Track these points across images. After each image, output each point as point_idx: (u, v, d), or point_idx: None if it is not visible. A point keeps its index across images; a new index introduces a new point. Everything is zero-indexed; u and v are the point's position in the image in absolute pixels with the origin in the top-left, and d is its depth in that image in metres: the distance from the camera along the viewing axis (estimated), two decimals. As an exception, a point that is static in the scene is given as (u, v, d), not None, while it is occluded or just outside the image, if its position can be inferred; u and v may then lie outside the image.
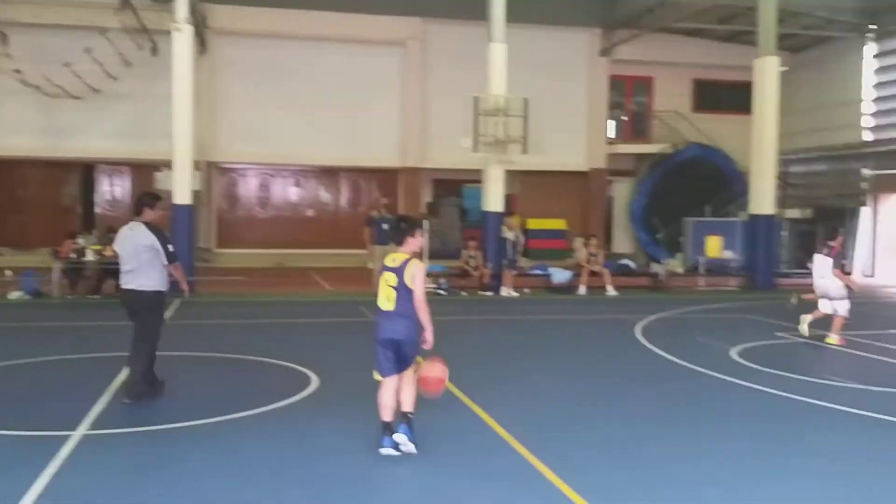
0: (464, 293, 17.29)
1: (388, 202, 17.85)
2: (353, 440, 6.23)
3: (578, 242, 21.84)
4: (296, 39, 23.38)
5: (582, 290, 17.46)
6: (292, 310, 14.75)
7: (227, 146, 23.40)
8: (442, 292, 17.06)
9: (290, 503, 5.01)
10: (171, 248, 7.35)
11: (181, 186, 16.40)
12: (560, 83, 24.27)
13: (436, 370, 5.82)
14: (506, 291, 17.20)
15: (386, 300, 5.78)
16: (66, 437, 6.09)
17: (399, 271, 5.75)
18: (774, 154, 19.70)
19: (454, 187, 25.21)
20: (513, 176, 24.75)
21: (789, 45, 24.58)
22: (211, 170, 23.54)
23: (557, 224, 25.05)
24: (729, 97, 26.22)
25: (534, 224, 24.73)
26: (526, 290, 17.72)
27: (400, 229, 6.01)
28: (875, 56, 24.39)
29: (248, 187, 25.01)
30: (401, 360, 5.80)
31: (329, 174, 25.37)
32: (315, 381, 8.24)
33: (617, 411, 7.38)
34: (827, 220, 22.57)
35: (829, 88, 25.68)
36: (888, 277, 22.12)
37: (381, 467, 5.61)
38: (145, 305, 7.25)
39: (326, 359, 9.49)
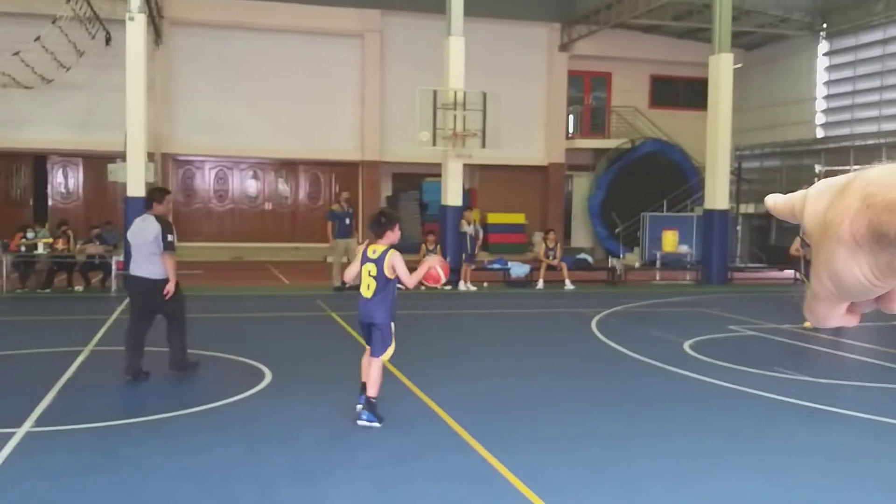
0: (422, 287, 17.23)
1: (350, 196, 17.72)
2: (305, 437, 6.20)
3: (537, 237, 21.97)
4: (253, 30, 23.13)
5: (540, 284, 17.56)
6: (249, 304, 14.62)
7: (183, 138, 23.08)
8: (400, 287, 17.01)
9: (240, 500, 4.96)
10: (169, 237, 7.80)
11: (135, 179, 16.12)
12: (519, 78, 24.35)
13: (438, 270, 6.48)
14: (464, 285, 17.24)
15: (366, 288, 6.38)
16: (9, 435, 5.96)
17: (378, 262, 6.31)
18: (729, 150, 20.00)
19: (413, 181, 25.17)
20: (472, 170, 24.84)
21: (743, 42, 24.96)
22: (167, 162, 23.20)
23: (516, 218, 25.17)
24: (685, 93, 26.58)
25: (493, 218, 24.82)
26: (484, 284, 17.78)
27: (380, 223, 6.46)
28: (826, 54, 24.87)
29: (205, 180, 24.70)
30: (373, 342, 6.37)
31: (288, 167, 25.17)
32: (269, 376, 8.18)
33: (571, 406, 7.43)
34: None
35: (781, 86, 26.15)
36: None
37: (334, 464, 5.59)
38: (153, 291, 7.78)
39: (281, 354, 9.43)
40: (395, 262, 6.33)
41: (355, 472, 5.40)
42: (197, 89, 22.88)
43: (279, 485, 5.16)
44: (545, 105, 25.64)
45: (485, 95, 17.79)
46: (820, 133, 25.11)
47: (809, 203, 0.63)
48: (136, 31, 16.18)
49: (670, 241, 21.40)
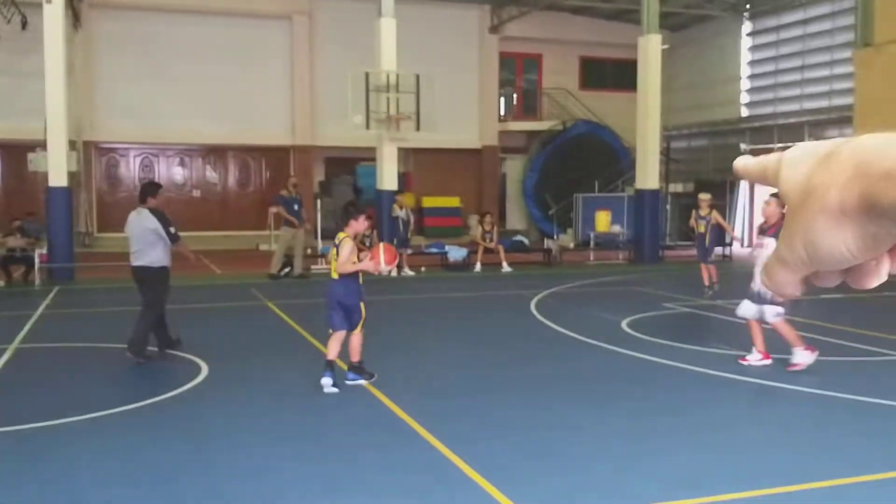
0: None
1: (298, 181, 17.35)
2: (247, 431, 6.04)
3: (473, 220, 22.00)
4: (176, 13, 22.44)
5: (478, 267, 17.58)
6: (180, 295, 14.16)
7: (106, 125, 22.31)
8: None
9: (181, 500, 4.78)
10: (172, 230, 8.34)
11: (56, 168, 15.50)
12: (451, 60, 24.25)
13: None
14: (399, 270, 17.13)
15: (333, 271, 7.17)
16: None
17: (338, 247, 7.10)
18: (658, 130, 20.32)
19: (347, 166, 24.88)
20: (407, 154, 24.68)
21: (671, 23, 25.34)
22: (89, 150, 22.39)
23: (452, 202, 25.15)
24: (614, 75, 26.88)
25: (428, 202, 24.75)
26: (422, 269, 17.70)
27: (346, 212, 7.29)
28: (750, 34, 25.45)
29: (130, 168, 23.94)
30: (349, 318, 7.16)
31: (216, 153, 24.58)
32: (205, 370, 7.95)
33: (517, 389, 7.42)
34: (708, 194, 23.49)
35: (708, 66, 26.67)
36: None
37: (281, 458, 5.45)
38: (153, 279, 8.34)
39: (217, 346, 9.19)
40: (341, 247, 7.03)
41: (304, 465, 5.27)
42: (119, 74, 22.11)
43: (225, 482, 4.99)
44: (477, 88, 25.61)
45: (418, 78, 17.65)
46: (745, 112, 25.73)
47: (786, 167, 0.60)
48: (53, 14, 15.49)
49: (603, 221, 21.68)
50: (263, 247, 21.38)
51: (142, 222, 8.26)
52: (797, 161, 0.60)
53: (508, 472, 5.11)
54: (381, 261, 7.23)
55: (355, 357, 7.35)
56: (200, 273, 17.26)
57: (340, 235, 7.19)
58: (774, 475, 4.96)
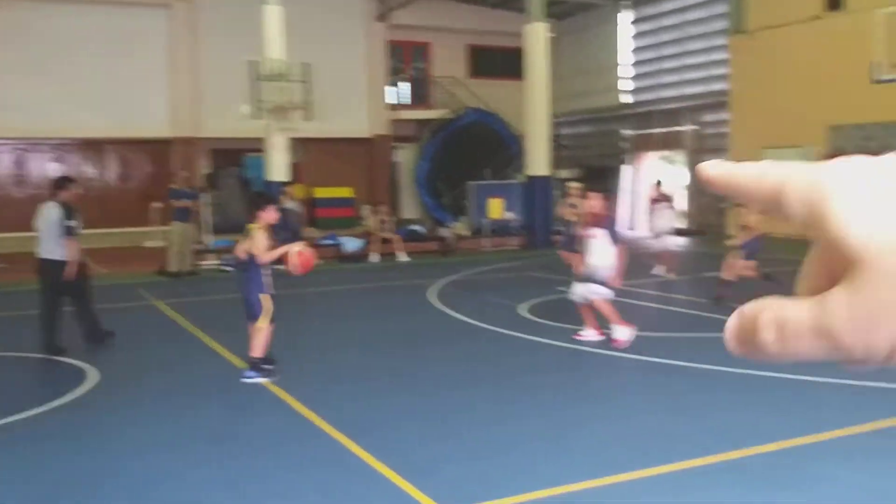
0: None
1: (189, 174, 16.63)
2: (143, 437, 5.74)
3: (367, 210, 21.82)
4: (49, 2, 21.18)
5: (373, 257, 17.44)
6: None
7: (-30, 119, 20.86)
8: (227, 268, 16.33)
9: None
10: (68, 223, 8.45)
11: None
12: (339, 48, 23.90)
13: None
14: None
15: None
16: None
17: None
18: (546, 117, 20.67)
19: (235, 157, 24.17)
20: (297, 144, 24.20)
21: (556, 11, 25.77)
22: (-48, 146, 20.91)
23: (344, 192, 24.84)
24: (502, 63, 27.13)
25: (320, 193, 24.38)
26: (317, 261, 17.39)
27: (256, 203, 7.25)
28: (632, 23, 26.21)
29: (1, 164, 22.50)
30: (248, 310, 7.18)
31: (93, 147, 23.38)
32: (93, 376, 7.53)
33: (418, 378, 7.38)
34: (594, 179, 24.14)
35: (592, 54, 27.32)
36: (646, 230, 24.05)
37: (183, 463, 5.19)
38: (51, 271, 8.42)
39: (104, 349, 8.73)
40: (253, 241, 7.00)
41: (207, 468, 5.05)
42: (-15, 66, 20.71)
43: (120, 492, 4.72)
44: (366, 76, 25.36)
45: (306, 67, 17.29)
46: (628, 99, 26.50)
47: (850, 204, 0.38)
48: None
49: (496, 208, 21.91)
50: (148, 243, 20.53)
51: (47, 215, 8.47)
52: (872, 197, 0.38)
53: (413, 461, 5.05)
54: (296, 264, 7.25)
55: (254, 353, 7.16)
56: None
57: (251, 227, 7.10)
58: (678, 451, 5.08)
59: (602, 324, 8.37)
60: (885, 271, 0.37)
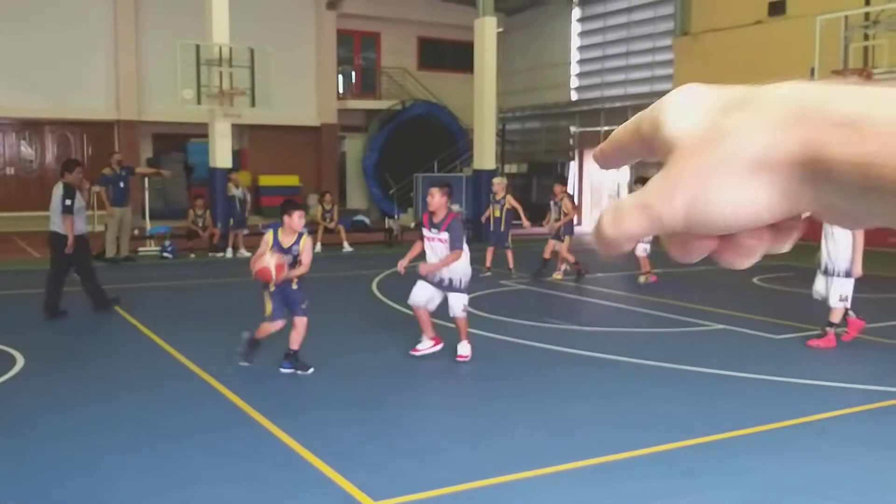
0: (192, 255, 16.43)
1: (123, 158, 16.22)
2: (72, 424, 5.63)
3: (313, 199, 21.66)
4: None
5: (318, 247, 17.31)
6: (-8, 281, 13.10)
7: None
8: (167, 255, 16.08)
9: (3, 498, 4.38)
10: (67, 202, 9.43)
11: None
12: (287, 35, 23.64)
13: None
14: (235, 252, 16.61)
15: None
16: None
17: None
18: (494, 112, 20.75)
19: (178, 142, 23.75)
20: (241, 131, 23.88)
21: (506, 6, 25.87)
22: None
23: (290, 180, 24.61)
24: (452, 56, 27.16)
25: (266, 181, 24.13)
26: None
27: (283, 210, 7.12)
28: (579, 20, 26.46)
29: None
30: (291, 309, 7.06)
31: (32, 128, 22.75)
32: (21, 361, 7.34)
33: (357, 369, 7.36)
34: (540, 175, 24.38)
35: (540, 50, 27.50)
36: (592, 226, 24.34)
37: (109, 450, 5.10)
38: (57, 243, 9.55)
39: (34, 335, 8.52)
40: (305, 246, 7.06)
41: (134, 456, 4.97)
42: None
43: (47, 478, 4.62)
44: (315, 64, 25.14)
45: (252, 52, 17.07)
46: (574, 96, 26.77)
47: (672, 109, 0.49)
48: None
49: (443, 200, 21.89)
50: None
51: (55, 194, 9.66)
52: (690, 104, 0.49)
53: (340, 450, 5.05)
54: (271, 273, 6.87)
55: (293, 345, 7.10)
56: (16, 257, 15.97)
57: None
58: (606, 444, 5.18)
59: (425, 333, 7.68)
60: (684, 148, 0.47)
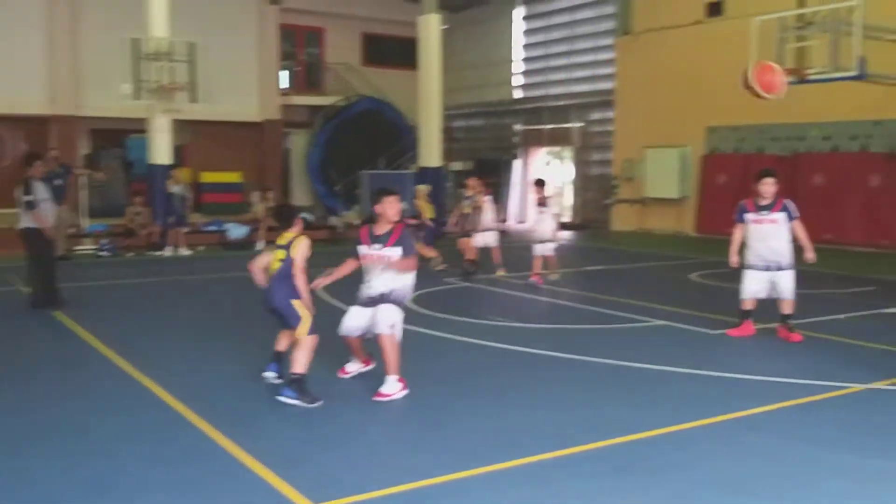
0: (130, 253, 16.10)
1: (59, 154, 15.74)
2: (2, 432, 5.47)
3: (255, 196, 21.40)
4: None
5: (260, 244, 17.13)
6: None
7: None
8: (104, 253, 15.72)
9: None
10: (27, 198, 9.57)
11: None
12: (229, 30, 23.25)
13: None
14: (175, 250, 16.33)
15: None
16: None
17: (286, 248, 6.35)
18: (440, 109, 20.77)
19: (116, 138, 23.19)
20: (182, 126, 23.45)
21: (450, 4, 25.86)
22: None
23: (232, 177, 24.25)
24: (397, 52, 27.05)
25: (207, 177, 23.75)
26: (200, 248, 16.97)
27: (290, 215, 6.67)
28: (523, 18, 26.62)
29: None
30: (283, 322, 6.41)
31: (-39, 122, 21.96)
32: (-51, 366, 7.10)
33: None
34: (485, 172, 24.46)
35: (485, 47, 27.60)
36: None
37: (37, 459, 4.96)
38: (27, 239, 9.75)
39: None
40: (300, 247, 6.34)
41: (64, 463, 4.84)
42: None
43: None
44: (257, 59, 24.79)
45: (192, 46, 16.77)
46: (518, 94, 26.93)
47: None
48: None
49: (388, 197, 21.83)
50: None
51: (19, 189, 9.73)
52: None
53: (280, 452, 5.02)
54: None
55: (295, 368, 6.17)
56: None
57: (289, 235, 6.41)
58: (544, 442, 5.22)
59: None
60: None
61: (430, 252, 13.73)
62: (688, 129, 20.83)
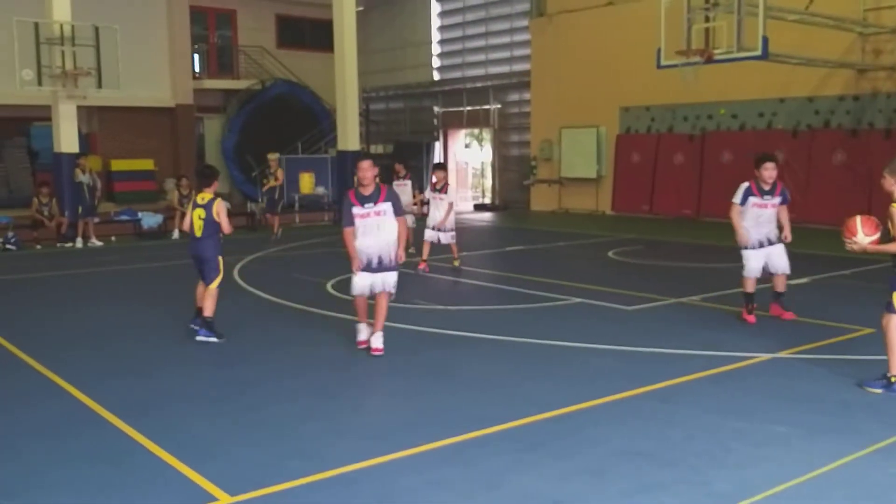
0: (38, 246, 15.50)
1: None
2: None
3: (170, 183, 20.87)
4: None
5: (176, 233, 16.73)
6: None
7: None
8: (10, 247, 15.10)
9: None
10: None
11: None
12: (135, 12, 22.51)
13: None
14: (86, 241, 15.80)
15: (198, 229, 7.82)
16: None
17: (207, 208, 7.75)
18: (356, 92, 20.58)
19: (20, 126, 22.24)
20: (90, 113, 22.65)
21: (365, -15, 25.66)
22: None
23: (145, 164, 23.59)
24: (312, 34, 26.69)
25: (118, 165, 23.06)
26: (112, 238, 16.48)
27: (209, 176, 8.01)
28: (439, 0, 26.56)
29: None
30: (204, 274, 7.88)
31: None
32: None
33: (215, 362, 7.18)
34: (406, 155, 24.41)
35: (401, 29, 27.46)
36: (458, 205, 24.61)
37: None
38: None
39: None
40: (221, 210, 7.75)
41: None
42: None
43: None
44: (167, 42, 24.09)
45: (97, 30, 16.18)
46: (437, 76, 26.91)
47: None
48: None
49: (307, 182, 21.65)
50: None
51: None
52: None
53: (194, 445, 4.95)
54: None
55: (209, 312, 7.75)
56: None
57: (206, 196, 7.81)
58: (463, 423, 5.28)
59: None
60: None
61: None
62: (602, 110, 21.20)
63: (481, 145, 26.93)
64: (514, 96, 24.41)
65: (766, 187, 8.29)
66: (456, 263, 12.36)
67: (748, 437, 5.02)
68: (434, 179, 12.35)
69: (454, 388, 6.21)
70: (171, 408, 5.78)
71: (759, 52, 13.34)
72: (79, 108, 17.28)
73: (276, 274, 12.13)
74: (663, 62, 14.62)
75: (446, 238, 12.19)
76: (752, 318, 8.30)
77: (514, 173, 24.53)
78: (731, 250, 13.10)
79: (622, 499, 4.15)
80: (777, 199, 8.34)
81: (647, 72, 16.91)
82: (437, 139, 26.60)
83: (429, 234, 12.20)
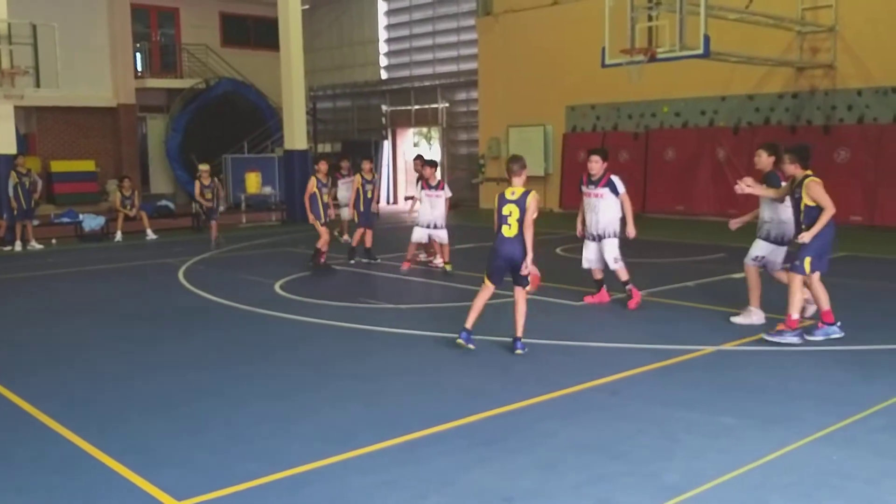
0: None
1: None
2: None
3: (111, 185, 20.45)
4: None
5: (118, 236, 16.39)
6: None
7: None
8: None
9: None
10: None
11: None
12: (75, 9, 22.02)
13: None
14: (25, 245, 15.38)
15: (508, 228, 7.14)
16: None
17: (520, 203, 7.02)
18: (303, 90, 20.42)
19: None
20: (28, 113, 22.07)
21: (311, -17, 25.47)
22: None
23: (86, 165, 23.08)
24: (257, 32, 26.41)
25: (58, 166, 22.52)
26: (53, 241, 16.06)
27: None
28: (386, -1, 26.51)
29: None
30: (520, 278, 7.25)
31: None
32: None
33: (163, 365, 7.03)
34: (354, 153, 24.29)
35: (348, 27, 27.33)
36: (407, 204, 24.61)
37: None
38: None
39: None
40: (533, 203, 6.94)
41: None
42: None
43: None
44: (108, 41, 23.59)
45: (35, 28, 15.76)
46: (384, 75, 26.83)
47: None
48: None
49: (254, 182, 21.43)
50: None
51: None
52: None
53: (149, 452, 4.82)
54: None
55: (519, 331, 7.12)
56: None
57: (517, 190, 7.02)
58: (414, 421, 5.27)
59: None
60: None
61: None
62: (549, 108, 21.37)
63: (430, 144, 26.93)
64: (462, 95, 24.46)
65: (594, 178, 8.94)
66: (448, 268, 11.68)
67: (696, 428, 5.11)
68: (427, 175, 11.73)
69: (406, 387, 6.19)
70: (114, 409, 5.65)
71: (701, 51, 13.59)
72: (17, 107, 16.82)
73: (223, 275, 11.96)
74: (608, 61, 14.80)
75: (442, 237, 11.68)
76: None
77: (463, 171, 24.59)
78: (677, 245, 13.32)
79: (574, 492, 4.19)
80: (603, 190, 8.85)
81: (593, 70, 17.09)
82: (386, 138, 26.54)
83: (418, 234, 11.68)
